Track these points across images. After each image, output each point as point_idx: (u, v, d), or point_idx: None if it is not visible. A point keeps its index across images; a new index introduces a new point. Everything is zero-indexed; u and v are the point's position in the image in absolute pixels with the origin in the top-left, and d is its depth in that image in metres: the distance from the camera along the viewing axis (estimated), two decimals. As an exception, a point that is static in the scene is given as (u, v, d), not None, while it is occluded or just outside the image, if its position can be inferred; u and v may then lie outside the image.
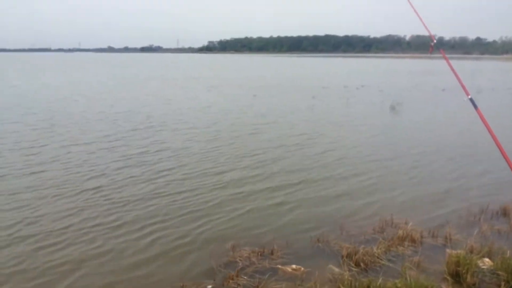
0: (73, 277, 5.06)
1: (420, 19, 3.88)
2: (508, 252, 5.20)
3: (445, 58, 3.77)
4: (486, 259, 5.25)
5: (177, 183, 8.37)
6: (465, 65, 75.25)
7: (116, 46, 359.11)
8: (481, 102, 22.27)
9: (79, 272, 5.16)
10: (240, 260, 5.36)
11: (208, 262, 5.34)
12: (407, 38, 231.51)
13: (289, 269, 5.15)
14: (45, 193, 7.72)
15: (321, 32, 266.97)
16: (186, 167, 9.44)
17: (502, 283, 4.60)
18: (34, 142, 11.69)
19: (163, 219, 6.66)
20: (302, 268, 5.15)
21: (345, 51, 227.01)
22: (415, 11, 3.90)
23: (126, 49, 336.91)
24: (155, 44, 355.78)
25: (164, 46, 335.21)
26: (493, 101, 23.00)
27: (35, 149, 10.94)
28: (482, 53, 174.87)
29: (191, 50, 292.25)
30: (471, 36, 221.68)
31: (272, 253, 5.55)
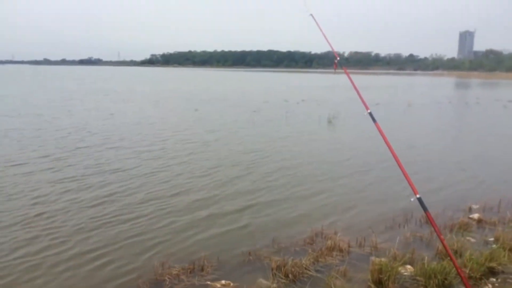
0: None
1: (325, 37, 4.06)
2: (426, 258, 5.50)
3: (347, 75, 3.97)
4: (408, 266, 5.51)
5: (101, 200, 8.05)
6: (401, 80, 79.74)
7: (52, 58, 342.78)
8: (412, 115, 23.80)
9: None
10: (169, 278, 5.23)
11: (135, 281, 5.15)
12: (346, 54, 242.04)
13: (218, 285, 5.09)
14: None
15: (264, 48, 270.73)
16: (115, 184, 9.12)
17: (421, 288, 4.85)
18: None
19: (80, 236, 6.36)
20: (231, 283, 5.11)
21: (287, 66, 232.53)
22: (320, 29, 4.08)
23: (64, 62, 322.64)
24: (95, 56, 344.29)
25: (104, 59, 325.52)
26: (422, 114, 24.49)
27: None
28: (415, 69, 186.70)
29: (133, 63, 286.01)
30: (405, 53, 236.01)
31: (202, 269, 5.46)
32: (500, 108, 29.31)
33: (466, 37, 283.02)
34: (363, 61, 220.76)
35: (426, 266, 5.08)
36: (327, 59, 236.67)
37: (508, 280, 5.20)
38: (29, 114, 20.72)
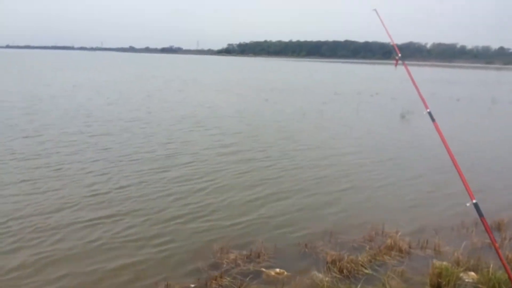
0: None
1: (387, 31, 3.95)
2: (492, 265, 5.20)
3: (407, 70, 3.84)
4: (471, 273, 5.25)
5: (172, 185, 8.54)
6: (488, 75, 73.89)
7: (137, 46, 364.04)
8: (495, 113, 22.06)
9: (62, 271, 5.35)
10: (226, 262, 5.48)
11: (195, 263, 5.47)
12: (428, 45, 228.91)
13: (272, 273, 5.24)
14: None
15: (340, 38, 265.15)
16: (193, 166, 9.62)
17: (482, 297, 4.62)
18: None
19: (150, 219, 6.82)
20: (286, 272, 5.24)
21: (364, 57, 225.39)
22: (382, 23, 3.97)
23: (147, 50, 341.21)
24: (175, 45, 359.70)
25: (184, 47, 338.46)
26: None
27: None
28: (505, 63, 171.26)
29: (210, 52, 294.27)
30: (494, 45, 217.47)
31: (258, 257, 5.65)
32: None
33: None
34: (447, 53, 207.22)
35: (490, 274, 4.82)
36: (407, 50, 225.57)
37: None
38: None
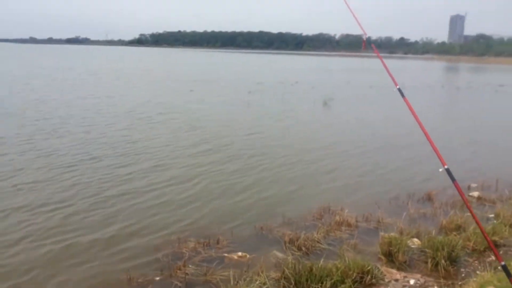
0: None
1: (355, 17, 4.17)
2: (434, 232, 5.76)
3: (377, 54, 4.10)
4: (415, 239, 5.77)
5: (125, 179, 8.17)
6: (392, 64, 79.76)
7: (39, 36, 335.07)
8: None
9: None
10: (187, 250, 5.41)
11: (154, 255, 5.33)
12: (337, 37, 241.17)
13: (235, 257, 5.28)
14: None
15: (255, 29, 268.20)
16: (145, 163, 9.23)
17: (429, 260, 5.10)
18: None
19: (105, 214, 6.50)
20: (248, 255, 5.32)
21: (278, 48, 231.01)
22: (350, 9, 4.19)
23: (50, 40, 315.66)
24: (82, 35, 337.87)
25: (92, 38, 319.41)
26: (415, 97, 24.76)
27: None
28: (406, 53, 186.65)
29: (121, 42, 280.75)
30: (396, 36, 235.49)
31: (218, 243, 5.65)
32: (492, 93, 29.75)
33: (456, 21, 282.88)
34: (354, 44, 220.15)
35: (434, 239, 5.32)
36: (318, 41, 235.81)
37: (509, 252, 5.49)
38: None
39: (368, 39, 4.24)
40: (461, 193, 2.80)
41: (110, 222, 6.24)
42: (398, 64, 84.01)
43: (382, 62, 3.94)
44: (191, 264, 5.08)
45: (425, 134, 2.95)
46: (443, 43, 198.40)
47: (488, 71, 67.99)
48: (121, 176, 8.24)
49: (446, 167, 2.91)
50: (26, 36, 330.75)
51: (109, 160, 9.30)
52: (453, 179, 2.89)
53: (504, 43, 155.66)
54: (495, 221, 6.43)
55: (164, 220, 6.39)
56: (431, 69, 71.38)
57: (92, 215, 6.44)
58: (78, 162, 9.03)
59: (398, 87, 3.51)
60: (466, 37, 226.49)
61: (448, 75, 56.54)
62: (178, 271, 4.90)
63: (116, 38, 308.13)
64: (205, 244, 5.61)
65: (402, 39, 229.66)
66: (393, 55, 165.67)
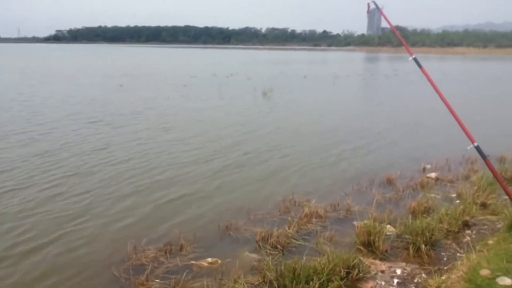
0: None
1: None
2: (405, 216, 5.57)
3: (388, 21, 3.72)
4: (389, 226, 5.52)
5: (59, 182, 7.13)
6: (318, 55, 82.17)
7: None
8: (340, 86, 24.50)
9: None
10: (147, 261, 4.68)
11: (109, 271, 4.53)
12: (264, 30, 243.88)
13: (205, 264, 4.66)
14: None
15: (180, 23, 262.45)
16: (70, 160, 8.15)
17: (410, 246, 4.86)
18: None
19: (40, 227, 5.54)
20: (219, 261, 4.72)
21: (205, 42, 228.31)
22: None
23: None
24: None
25: (2, 35, 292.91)
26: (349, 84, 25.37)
27: None
28: (329, 45, 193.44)
29: (35, 39, 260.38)
30: (319, 29, 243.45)
31: (181, 249, 4.99)
32: (418, 79, 31.37)
33: (374, 14, 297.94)
34: (280, 37, 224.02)
35: (411, 224, 5.10)
36: (245, 35, 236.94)
37: (481, 231, 5.44)
38: None
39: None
40: (494, 172, 2.48)
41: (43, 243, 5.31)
42: (325, 56, 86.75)
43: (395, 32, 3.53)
44: (154, 277, 4.37)
45: (451, 110, 2.59)
46: (362, 35, 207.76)
47: (406, 60, 72.15)
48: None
49: (476, 144, 2.58)
50: None
51: None
52: (484, 157, 2.57)
53: (417, 34, 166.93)
54: (457, 201, 6.44)
55: (110, 227, 5.58)
56: (355, 59, 74.36)
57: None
58: None
59: (413, 56, 3.17)
60: (383, 29, 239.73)
61: (373, 65, 59.18)
62: (141, 287, 4.19)
63: (29, 35, 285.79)
64: (167, 251, 4.91)
65: (325, 32, 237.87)
66: (317, 47, 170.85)
